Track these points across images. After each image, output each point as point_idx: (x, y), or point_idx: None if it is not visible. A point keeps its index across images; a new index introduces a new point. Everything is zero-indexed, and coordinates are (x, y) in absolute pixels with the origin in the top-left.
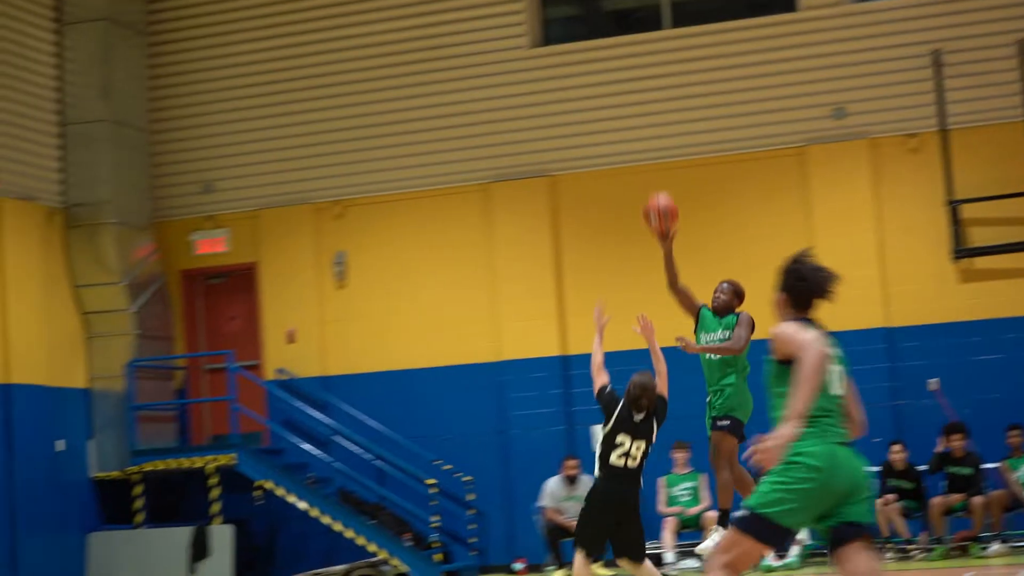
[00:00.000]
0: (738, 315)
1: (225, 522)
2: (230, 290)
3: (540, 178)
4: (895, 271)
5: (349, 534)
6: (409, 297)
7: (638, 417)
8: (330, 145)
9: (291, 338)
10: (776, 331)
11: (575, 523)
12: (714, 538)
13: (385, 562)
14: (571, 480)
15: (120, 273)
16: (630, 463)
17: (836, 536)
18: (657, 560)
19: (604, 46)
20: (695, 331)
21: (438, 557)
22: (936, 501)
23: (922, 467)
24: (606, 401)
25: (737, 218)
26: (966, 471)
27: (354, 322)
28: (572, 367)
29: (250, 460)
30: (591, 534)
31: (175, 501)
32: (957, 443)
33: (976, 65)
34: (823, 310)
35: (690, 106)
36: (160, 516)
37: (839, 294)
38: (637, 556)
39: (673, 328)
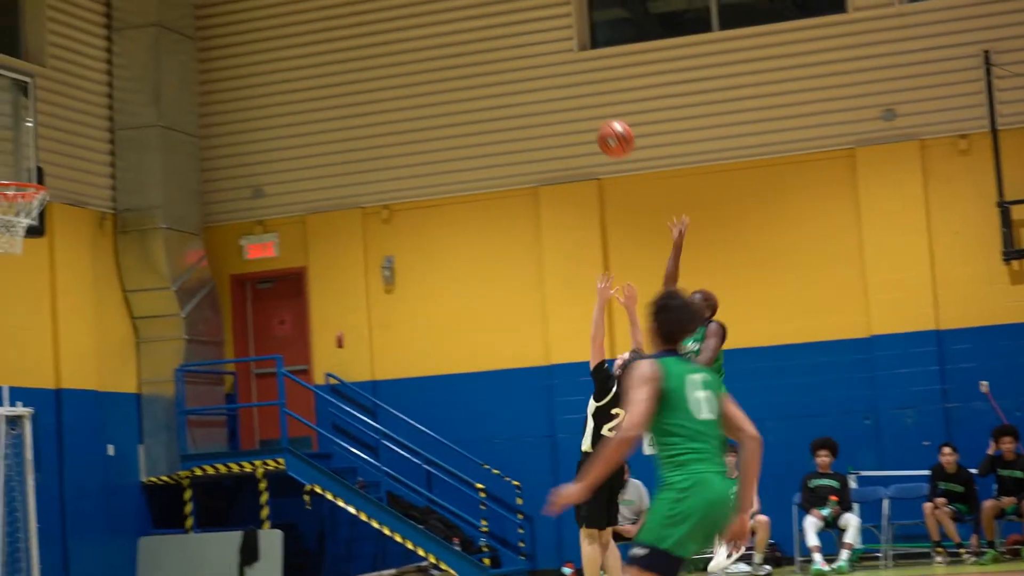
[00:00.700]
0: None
1: (274, 526)
2: (279, 295)
3: (588, 182)
4: (945, 273)
5: (398, 538)
6: (457, 301)
7: None
8: (378, 149)
9: (340, 343)
10: (632, 370)
11: (626, 527)
12: (720, 553)
13: (434, 566)
14: None
15: (170, 278)
16: None
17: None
18: (708, 563)
19: (652, 49)
20: None
21: (487, 561)
22: (987, 504)
23: (973, 470)
24: (604, 376)
25: (787, 220)
26: (1017, 474)
27: (402, 326)
28: None
29: (299, 464)
30: (596, 509)
31: (225, 505)
32: (1008, 446)
33: None
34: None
35: (739, 108)
36: (210, 520)
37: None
38: (611, 522)
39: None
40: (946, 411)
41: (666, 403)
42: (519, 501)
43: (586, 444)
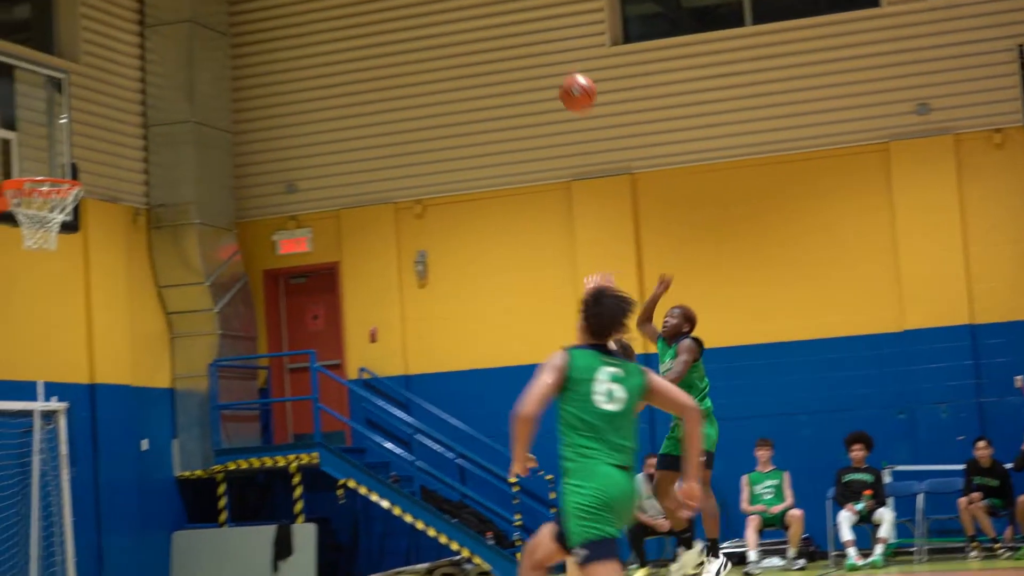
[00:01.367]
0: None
1: (308, 521)
2: (312, 290)
3: (621, 176)
4: (979, 267)
5: (431, 532)
6: (490, 296)
7: None
8: (411, 144)
9: (373, 337)
10: (546, 363)
11: (659, 521)
12: (710, 571)
13: (467, 560)
14: (652, 478)
15: (203, 273)
16: None
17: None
18: (740, 559)
19: (685, 43)
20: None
21: (520, 556)
22: (1022, 499)
23: (1008, 464)
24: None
25: (820, 215)
26: None
27: (435, 321)
28: (653, 365)
29: (333, 459)
30: None
31: (258, 500)
32: None
33: None
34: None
35: (772, 103)
36: (243, 515)
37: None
38: None
39: (759, 326)
40: (980, 405)
41: (568, 393)
42: (552, 495)
43: None
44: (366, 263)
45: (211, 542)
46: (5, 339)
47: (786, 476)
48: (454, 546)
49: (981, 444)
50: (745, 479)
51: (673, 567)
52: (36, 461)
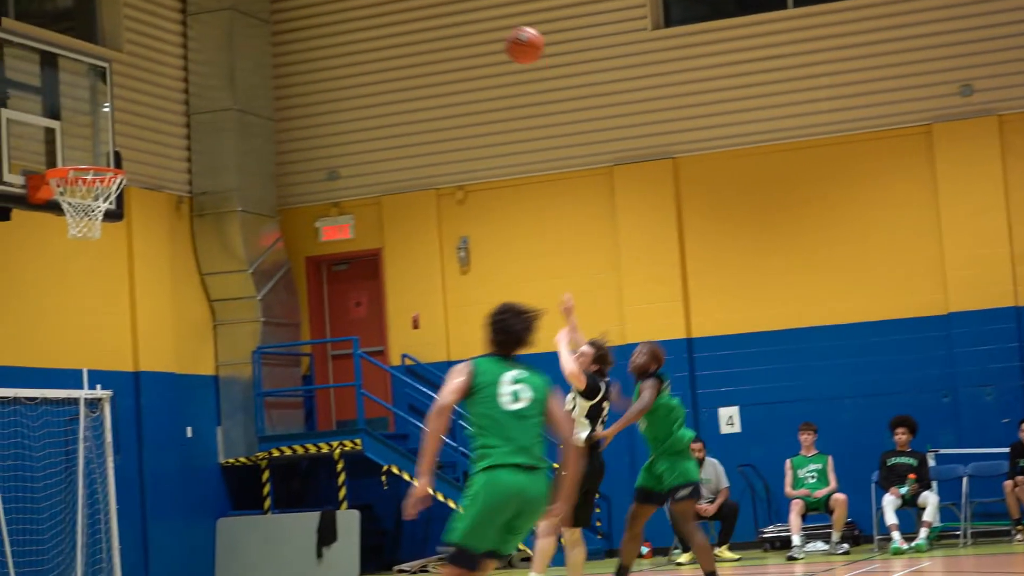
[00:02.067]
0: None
1: (351, 507)
2: (355, 276)
3: (663, 160)
4: None
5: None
6: (533, 281)
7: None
8: (453, 131)
9: (416, 323)
10: (452, 369)
11: (704, 506)
12: None
13: None
14: (696, 463)
15: (246, 261)
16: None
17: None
18: (784, 543)
19: (726, 27)
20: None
21: (563, 541)
22: None
23: None
24: (593, 383)
25: (863, 198)
26: None
27: (478, 307)
28: (696, 349)
29: (376, 445)
30: (586, 508)
31: (302, 486)
32: None
33: None
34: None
35: (814, 85)
36: (287, 501)
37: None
38: (580, 523)
39: (803, 309)
40: None
41: (475, 397)
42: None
43: (577, 439)
44: (408, 249)
45: (255, 529)
46: (50, 328)
47: (830, 460)
48: None
49: None
50: (789, 463)
51: None
52: (81, 449)
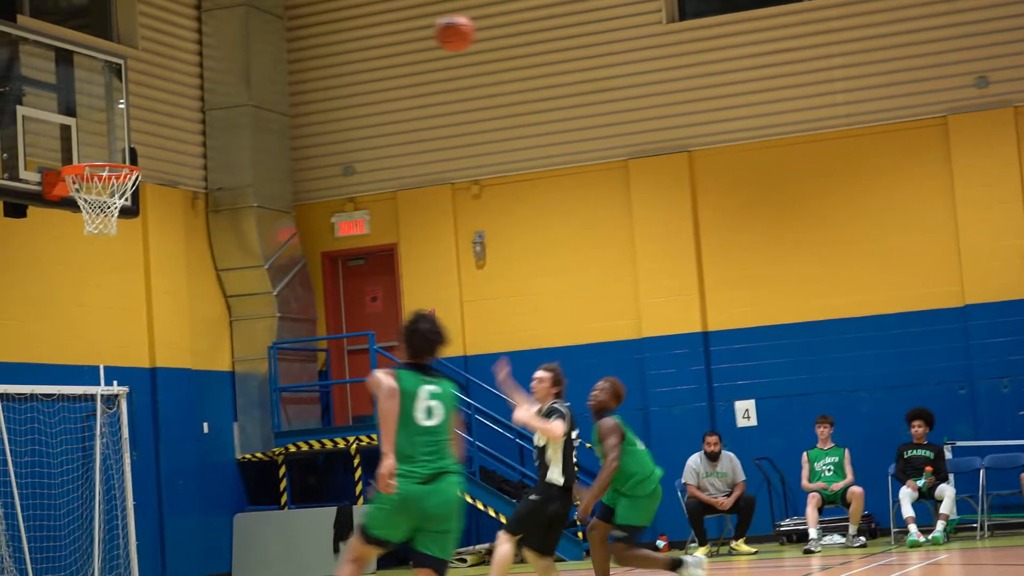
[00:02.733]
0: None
1: (368, 502)
2: (370, 271)
3: (678, 154)
4: None
5: (491, 513)
6: (548, 275)
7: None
8: (467, 125)
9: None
10: (372, 375)
11: (720, 499)
12: None
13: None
14: (712, 456)
15: (262, 256)
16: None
17: (411, 558)
18: (802, 536)
19: (741, 19)
20: None
21: (580, 535)
22: None
23: None
24: (566, 414)
25: (879, 190)
26: None
27: (493, 301)
28: (712, 343)
29: None
30: (553, 538)
31: (319, 481)
32: None
33: None
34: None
35: (830, 78)
36: (304, 496)
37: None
38: (547, 550)
39: (818, 302)
40: None
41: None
42: None
43: (558, 477)
44: (424, 244)
45: (272, 524)
46: (67, 324)
47: (846, 453)
48: None
49: None
50: (805, 456)
51: None
52: (98, 445)
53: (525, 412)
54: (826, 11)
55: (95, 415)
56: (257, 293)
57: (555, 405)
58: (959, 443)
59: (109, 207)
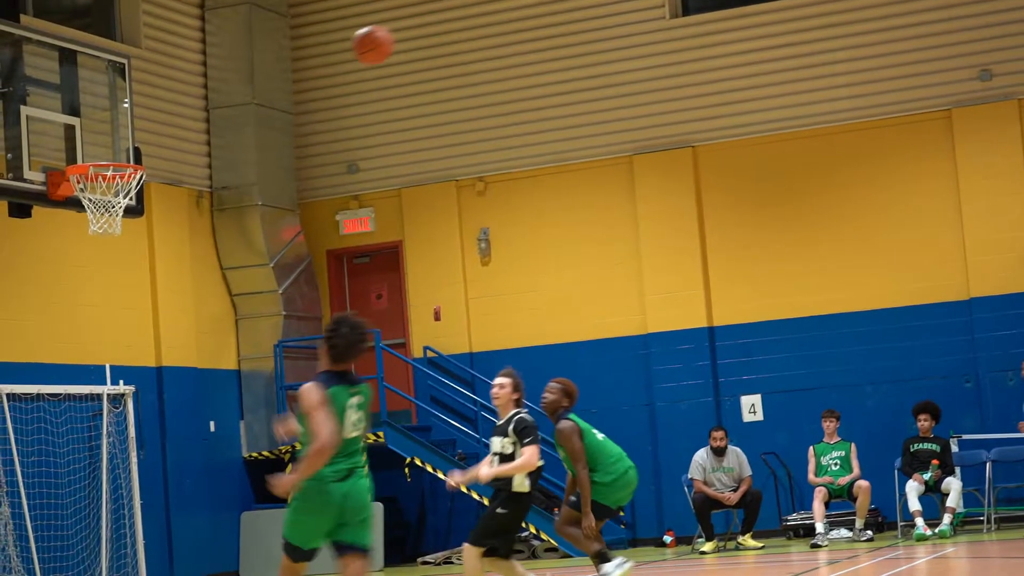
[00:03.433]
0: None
1: (375, 499)
2: (375, 269)
3: (682, 149)
4: None
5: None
6: (553, 271)
7: None
8: (471, 122)
9: (437, 315)
10: (301, 390)
11: (726, 495)
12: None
13: (535, 536)
14: (719, 451)
15: (267, 255)
16: None
17: (336, 549)
18: (809, 530)
19: (743, 14)
20: None
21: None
22: None
23: None
24: (530, 428)
25: (883, 184)
26: None
27: (499, 298)
28: (718, 338)
29: (399, 437)
30: (510, 541)
31: None
32: None
33: None
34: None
35: (833, 72)
36: None
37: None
38: (507, 554)
39: (824, 296)
40: None
41: None
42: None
43: (526, 484)
44: (429, 241)
45: (279, 522)
46: (73, 324)
47: (853, 447)
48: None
49: None
50: (812, 450)
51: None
52: (105, 444)
53: (487, 468)
54: (828, 5)
55: (102, 414)
56: (262, 291)
57: (523, 418)
58: (965, 436)
59: (114, 207)
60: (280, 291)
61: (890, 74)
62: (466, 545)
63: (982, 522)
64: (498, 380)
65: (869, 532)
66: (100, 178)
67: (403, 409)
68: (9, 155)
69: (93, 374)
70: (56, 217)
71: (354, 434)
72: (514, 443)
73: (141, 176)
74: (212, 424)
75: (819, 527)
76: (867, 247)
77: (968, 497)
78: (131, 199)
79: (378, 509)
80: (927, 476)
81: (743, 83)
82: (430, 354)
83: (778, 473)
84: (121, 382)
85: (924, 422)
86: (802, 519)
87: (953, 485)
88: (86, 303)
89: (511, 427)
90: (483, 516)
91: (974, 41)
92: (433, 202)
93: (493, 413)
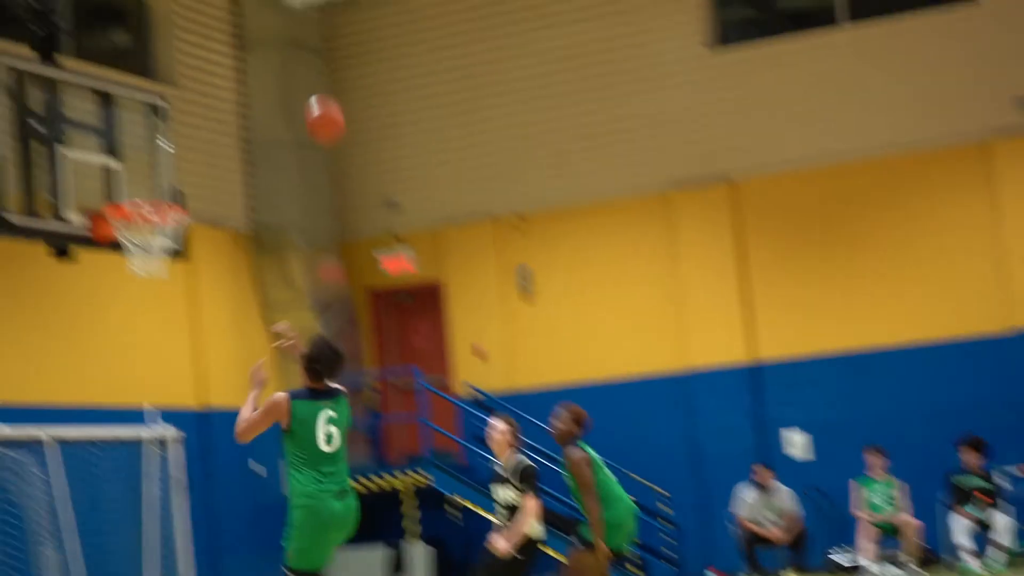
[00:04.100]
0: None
1: (421, 539)
2: (416, 307)
3: (720, 184)
4: None
5: (546, 549)
6: (594, 308)
7: None
8: (510, 158)
9: (481, 355)
10: (272, 398)
11: (773, 531)
12: None
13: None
14: (763, 487)
15: (308, 294)
16: None
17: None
18: (855, 566)
19: (781, 46)
20: None
21: (634, 569)
22: None
23: None
24: (533, 475)
25: (924, 216)
26: None
27: (540, 335)
28: (761, 375)
29: (444, 477)
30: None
31: (370, 519)
32: None
33: None
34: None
35: (870, 104)
36: (357, 535)
37: None
38: None
39: (867, 330)
40: None
41: (294, 436)
42: (667, 510)
43: (538, 530)
44: (469, 279)
45: None
46: (116, 366)
47: (900, 483)
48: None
49: None
50: (856, 484)
51: None
52: (150, 488)
53: (504, 536)
54: (865, 36)
55: (147, 457)
56: (304, 331)
57: (527, 467)
58: (1011, 469)
59: (155, 248)
60: (321, 330)
61: (928, 105)
62: None
63: None
64: (497, 424)
65: (916, 568)
66: (141, 219)
67: (448, 448)
68: (50, 197)
69: (138, 416)
70: (99, 260)
71: (328, 448)
72: (517, 492)
73: (182, 217)
74: (259, 466)
75: (866, 563)
76: (910, 281)
77: (1018, 532)
78: (172, 240)
79: (426, 551)
80: (974, 511)
81: (779, 115)
82: (473, 393)
83: (823, 509)
84: (167, 425)
85: (970, 456)
86: (848, 555)
87: (999, 520)
88: (128, 344)
89: (517, 478)
90: (498, 562)
91: (1013, 70)
92: (473, 239)
93: (538, 452)
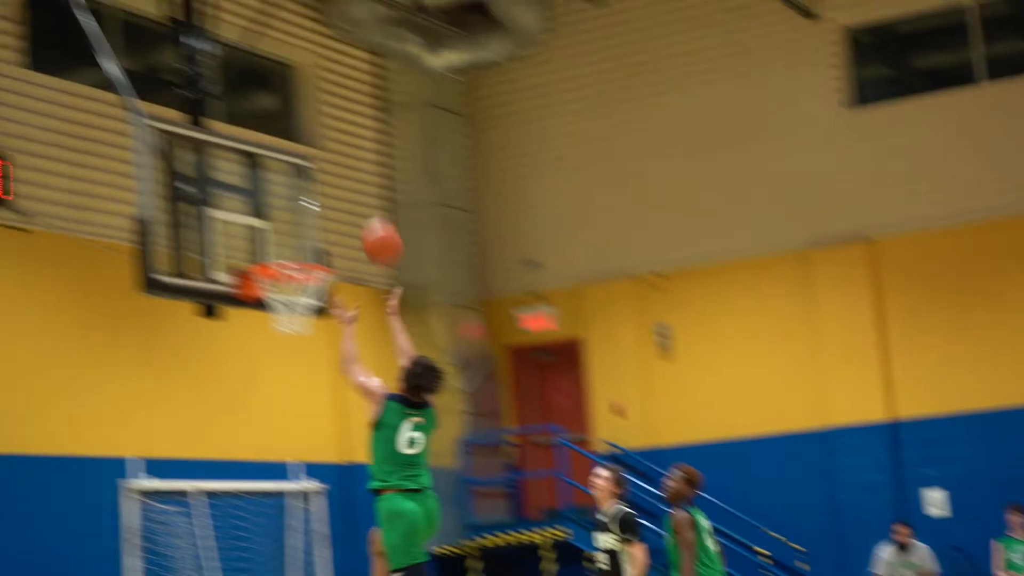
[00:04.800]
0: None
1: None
2: (557, 365)
3: (859, 242)
4: None
5: None
6: (734, 366)
7: None
8: (647, 217)
9: (618, 410)
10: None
11: None
12: None
13: None
14: (903, 547)
15: (450, 352)
16: None
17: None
18: None
19: (918, 104)
20: None
21: None
22: None
23: None
24: (633, 524)
25: None
26: None
27: (680, 393)
28: (900, 432)
29: (585, 534)
30: None
31: (510, 574)
32: None
33: None
34: None
35: (1007, 161)
36: None
37: None
38: None
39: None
40: None
41: (379, 432)
42: (805, 567)
43: None
44: (608, 336)
45: None
46: (260, 421)
47: None
48: None
49: None
50: (996, 544)
51: None
52: (293, 540)
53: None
54: (1003, 92)
55: (290, 510)
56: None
57: (628, 515)
58: None
59: (300, 307)
60: (462, 388)
61: None
62: None
63: None
64: (601, 472)
65: None
66: (286, 279)
67: (587, 505)
68: (198, 256)
69: (280, 471)
70: (242, 316)
71: (408, 451)
72: (617, 539)
73: (327, 277)
74: None
75: None
76: None
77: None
78: (318, 300)
79: None
80: None
81: (918, 174)
82: (612, 450)
83: (962, 568)
84: (311, 479)
85: None
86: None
87: None
88: (272, 401)
89: (617, 524)
90: None
91: None
92: (614, 297)
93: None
